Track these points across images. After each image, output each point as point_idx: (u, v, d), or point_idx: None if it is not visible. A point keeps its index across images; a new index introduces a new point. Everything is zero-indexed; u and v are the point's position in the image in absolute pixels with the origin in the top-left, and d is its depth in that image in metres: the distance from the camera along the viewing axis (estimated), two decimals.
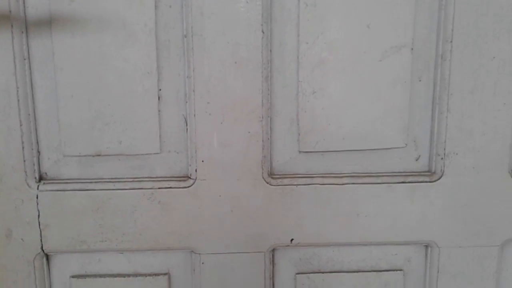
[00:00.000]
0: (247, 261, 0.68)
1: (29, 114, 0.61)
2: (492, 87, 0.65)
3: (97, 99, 0.61)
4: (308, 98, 0.64)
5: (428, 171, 0.68)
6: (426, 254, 0.71)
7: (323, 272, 0.71)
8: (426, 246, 0.71)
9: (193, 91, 0.61)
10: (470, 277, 0.71)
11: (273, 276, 0.70)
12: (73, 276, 0.68)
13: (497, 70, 0.64)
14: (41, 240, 0.65)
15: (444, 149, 0.66)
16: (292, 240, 0.68)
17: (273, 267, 0.70)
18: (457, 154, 0.67)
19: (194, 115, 0.62)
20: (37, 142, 0.63)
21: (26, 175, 0.63)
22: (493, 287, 0.72)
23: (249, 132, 0.64)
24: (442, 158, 0.67)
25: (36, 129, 0.62)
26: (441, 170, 0.67)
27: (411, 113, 0.66)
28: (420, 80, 0.65)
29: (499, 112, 0.66)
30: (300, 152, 0.66)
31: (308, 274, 0.71)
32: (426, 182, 0.67)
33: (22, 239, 0.65)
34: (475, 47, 0.63)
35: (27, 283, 0.66)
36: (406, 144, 0.67)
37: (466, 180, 0.67)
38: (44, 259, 0.67)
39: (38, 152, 0.63)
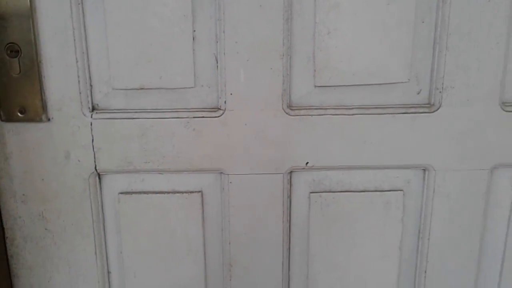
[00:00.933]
0: (268, 181, 0.83)
1: (83, 52, 0.75)
2: (487, 28, 0.77)
3: (140, 39, 0.75)
4: (323, 38, 0.77)
5: (428, 103, 0.82)
6: (424, 177, 0.86)
7: (333, 192, 0.86)
8: (424, 170, 0.86)
9: (223, 32, 0.74)
10: (462, 197, 0.86)
11: (290, 195, 0.86)
12: (121, 193, 0.84)
13: (491, 12, 0.76)
14: (94, 161, 0.80)
15: (442, 83, 0.80)
16: (307, 163, 0.83)
17: (290, 186, 0.86)
18: (453, 88, 0.80)
19: (224, 54, 0.76)
20: (90, 77, 0.77)
21: (82, 105, 0.77)
22: (482, 205, 0.86)
23: (271, 69, 0.77)
24: (440, 92, 0.80)
25: (89, 66, 0.76)
26: (439, 102, 0.80)
27: (414, 52, 0.79)
28: (423, 22, 0.77)
29: (492, 50, 0.78)
30: (315, 86, 0.80)
31: (320, 193, 0.86)
32: (425, 113, 0.81)
33: (78, 160, 0.80)
34: None
35: (83, 198, 0.82)
36: (409, 79, 0.80)
37: (461, 111, 0.81)
38: (97, 177, 0.82)
39: (91, 85, 0.78)
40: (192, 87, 0.78)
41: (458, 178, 0.84)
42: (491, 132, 0.82)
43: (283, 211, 0.85)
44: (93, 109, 0.78)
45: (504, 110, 0.81)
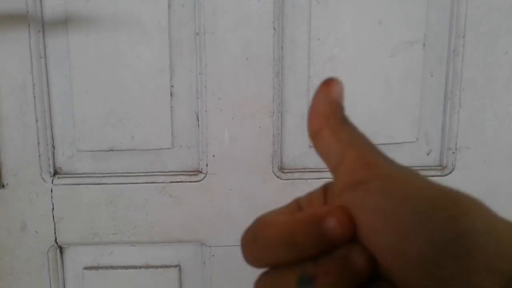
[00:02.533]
0: None
1: (44, 111, 0.73)
2: (505, 82, 0.75)
3: (111, 96, 0.72)
4: None
5: (440, 165, 0.79)
6: None
7: None
8: None
9: (205, 87, 0.72)
10: None
11: None
12: (86, 268, 0.80)
13: (509, 65, 0.74)
14: (55, 232, 0.77)
15: (456, 143, 0.77)
16: None
17: None
18: (468, 148, 0.78)
19: (206, 111, 0.73)
20: (52, 138, 0.74)
21: (41, 169, 0.74)
22: None
23: (259, 127, 0.75)
24: (453, 152, 0.78)
25: (51, 125, 0.74)
26: (453, 164, 0.78)
27: (422, 108, 0.77)
28: (432, 75, 0.76)
29: (510, 106, 0.76)
30: (310, 146, 0.77)
31: None
32: (437, 176, 0.79)
33: (36, 231, 0.77)
34: (487, 42, 0.73)
35: (41, 274, 0.79)
36: (417, 139, 0.78)
37: (477, 174, 0.78)
38: (58, 251, 0.79)
39: (53, 147, 0.75)
40: (169, 148, 0.75)
41: None
42: (511, 197, 0.79)
43: None
44: (55, 173, 0.76)
45: None
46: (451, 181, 0.78)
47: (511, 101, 0.76)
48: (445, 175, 0.78)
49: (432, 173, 0.78)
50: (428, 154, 0.79)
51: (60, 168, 0.76)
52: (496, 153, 0.78)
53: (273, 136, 0.75)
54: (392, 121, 0.76)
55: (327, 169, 0.74)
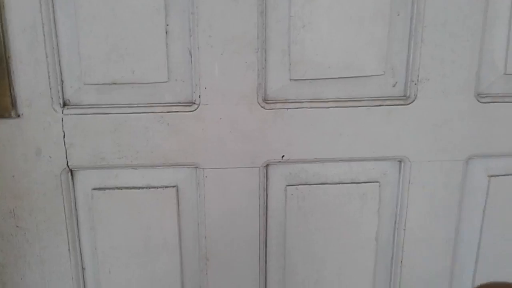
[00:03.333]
0: (244, 174, 0.89)
1: (53, 47, 0.79)
2: (462, 20, 0.83)
3: (112, 34, 0.79)
4: (298, 31, 0.82)
5: (404, 96, 0.89)
6: (400, 168, 0.93)
7: (310, 184, 0.93)
8: (400, 161, 0.93)
9: (197, 26, 0.79)
10: (437, 188, 0.93)
11: (266, 188, 0.92)
12: (94, 189, 0.88)
13: (467, 4, 0.82)
14: (66, 157, 0.85)
15: (418, 75, 0.86)
16: (283, 156, 0.89)
17: (266, 180, 0.92)
18: (429, 80, 0.86)
19: (198, 48, 0.80)
20: (61, 72, 0.81)
21: (52, 101, 0.81)
22: (457, 196, 0.94)
23: (246, 62, 0.82)
24: (415, 84, 0.87)
25: (59, 61, 0.80)
26: (415, 94, 0.87)
27: (390, 44, 0.85)
28: (398, 15, 0.83)
29: (467, 42, 0.84)
30: (291, 80, 0.85)
31: (297, 186, 0.93)
32: (401, 105, 0.88)
33: (50, 156, 0.85)
34: None
35: (55, 195, 0.87)
36: (384, 72, 0.86)
37: (436, 103, 0.88)
38: (69, 174, 0.87)
39: (62, 81, 0.82)
40: (165, 82, 0.83)
41: (434, 169, 0.91)
42: (466, 123, 0.89)
43: (260, 205, 0.91)
44: (64, 104, 0.83)
45: (479, 101, 0.88)
46: (413, 110, 0.87)
47: (467, 37, 0.84)
48: (408, 104, 0.87)
49: (397, 102, 0.87)
50: (393, 86, 0.88)
51: (69, 100, 0.83)
52: (453, 85, 0.86)
53: (258, 70, 0.83)
54: (363, 56, 0.84)
55: (305, 100, 0.83)
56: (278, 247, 0.95)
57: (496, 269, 1.00)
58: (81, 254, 0.93)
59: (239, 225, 0.92)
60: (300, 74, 0.83)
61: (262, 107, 0.84)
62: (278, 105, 0.85)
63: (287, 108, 0.85)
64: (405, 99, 0.87)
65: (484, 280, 1.00)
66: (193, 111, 0.83)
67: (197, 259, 0.94)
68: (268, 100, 0.85)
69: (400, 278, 0.98)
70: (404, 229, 0.94)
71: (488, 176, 0.94)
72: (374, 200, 0.93)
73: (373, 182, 0.92)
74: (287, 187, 0.91)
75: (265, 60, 0.82)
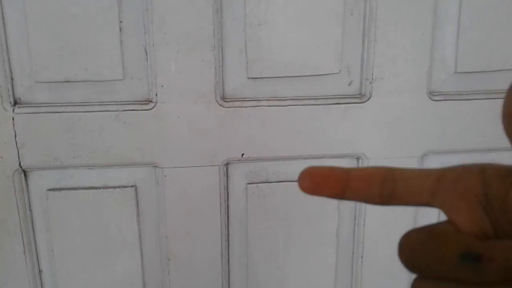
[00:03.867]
0: (205, 173, 0.86)
1: (1, 44, 0.74)
2: (413, 18, 0.82)
3: (63, 30, 0.74)
4: (254, 29, 0.79)
5: (359, 94, 0.87)
6: (357, 165, 0.92)
7: (270, 182, 0.90)
8: (358, 158, 0.91)
9: (151, 22, 0.76)
10: None
11: (227, 186, 0.89)
12: (49, 189, 0.84)
13: (417, 3, 0.81)
14: (18, 157, 0.80)
15: (372, 74, 0.85)
16: (243, 154, 0.86)
17: (227, 178, 0.89)
18: (382, 78, 0.85)
19: (153, 45, 0.77)
20: (10, 70, 0.76)
21: (2, 99, 0.76)
22: None
23: (202, 60, 0.79)
24: (370, 82, 0.85)
25: (9, 58, 0.75)
26: (370, 93, 0.86)
27: (344, 43, 0.83)
28: (351, 14, 0.82)
29: (418, 41, 0.84)
30: (248, 78, 0.83)
31: (257, 184, 0.90)
32: (357, 103, 0.86)
33: (1, 157, 0.79)
34: None
35: (8, 196, 0.82)
36: (340, 71, 0.85)
37: (390, 101, 0.87)
38: (22, 174, 0.82)
39: (12, 79, 0.77)
40: (121, 79, 0.79)
41: (391, 165, 0.90)
42: (420, 121, 0.88)
43: (221, 203, 0.88)
44: (15, 103, 0.78)
45: (431, 99, 0.87)
46: (368, 108, 0.86)
47: (418, 36, 0.83)
48: (364, 102, 0.86)
49: (353, 100, 0.86)
50: (349, 85, 0.86)
51: (20, 98, 0.78)
52: (406, 83, 0.86)
53: (215, 68, 0.80)
54: (318, 55, 0.82)
55: (263, 98, 0.80)
56: (240, 245, 0.92)
57: None
58: (37, 256, 0.87)
59: (200, 224, 0.88)
60: (257, 72, 0.81)
61: (220, 105, 0.81)
62: (237, 103, 0.82)
63: (245, 107, 0.82)
64: (360, 97, 0.85)
65: None
66: (150, 109, 0.80)
67: (158, 259, 0.90)
68: (226, 98, 0.82)
69: (361, 274, 0.96)
70: (364, 225, 0.92)
71: None
72: None
73: None
74: (248, 185, 0.88)
75: (222, 58, 0.80)
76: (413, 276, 0.25)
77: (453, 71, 0.87)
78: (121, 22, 0.75)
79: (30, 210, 0.84)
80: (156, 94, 0.79)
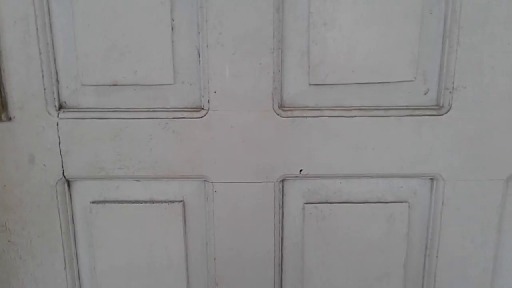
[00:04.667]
0: (258, 190, 0.75)
1: (47, 43, 0.67)
2: (503, 20, 0.69)
3: (112, 29, 0.67)
4: (319, 29, 0.69)
5: (436, 105, 0.74)
6: (431, 187, 0.78)
7: (330, 203, 0.78)
8: (432, 179, 0.77)
9: (206, 21, 0.67)
10: (474, 210, 0.78)
11: (282, 205, 0.78)
12: (93, 202, 0.76)
13: (508, 3, 0.68)
14: (62, 166, 0.73)
15: (453, 82, 0.71)
16: (301, 171, 0.75)
17: (282, 196, 0.78)
18: (465, 88, 0.72)
19: (207, 46, 0.68)
20: (56, 71, 0.70)
21: (47, 103, 0.70)
22: (496, 220, 0.78)
23: (260, 64, 0.69)
24: (450, 92, 0.72)
25: (54, 58, 0.69)
26: (449, 103, 0.72)
27: (421, 46, 0.71)
28: (431, 13, 0.69)
29: (509, 45, 0.70)
30: (310, 84, 0.72)
31: (316, 204, 0.78)
32: (433, 115, 0.73)
33: (44, 164, 0.72)
34: None
35: (50, 207, 0.75)
36: (415, 78, 0.72)
37: (473, 114, 0.73)
38: (66, 184, 0.75)
39: (57, 81, 0.70)
40: (171, 84, 0.70)
41: (470, 189, 0.76)
42: (507, 138, 0.74)
43: (275, 224, 0.77)
44: (60, 107, 0.71)
45: None
46: (447, 121, 0.73)
47: (509, 40, 0.69)
48: (442, 114, 0.73)
49: (429, 112, 0.73)
50: (425, 94, 0.73)
51: (65, 102, 0.71)
52: (493, 93, 0.72)
53: (273, 73, 0.70)
54: (391, 59, 0.71)
55: (326, 107, 0.68)
56: (294, 271, 0.80)
57: None
58: (78, 273, 0.80)
59: (251, 246, 0.77)
60: (320, 78, 0.70)
61: (278, 114, 0.70)
62: (296, 113, 0.71)
63: (306, 116, 0.71)
64: (438, 108, 0.72)
65: None
66: (201, 117, 0.70)
67: (205, 282, 0.80)
68: (284, 107, 0.72)
69: None
70: (437, 256, 0.78)
71: None
72: (403, 222, 0.77)
73: (402, 202, 0.77)
74: (305, 205, 0.76)
75: (281, 62, 0.69)
76: None
77: None
78: (173, 20, 0.67)
79: (73, 223, 0.77)
80: (208, 101, 0.69)
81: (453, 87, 0.72)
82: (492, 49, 0.70)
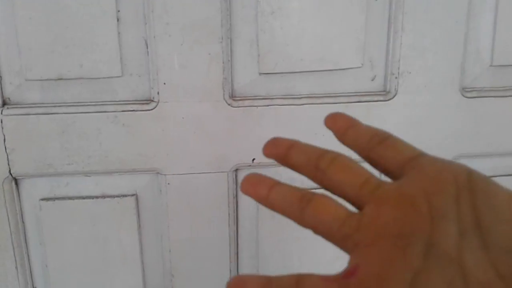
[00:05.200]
0: (212, 181, 0.76)
1: None
2: (444, 6, 0.72)
3: (55, 22, 0.66)
4: (267, 18, 0.70)
5: (383, 91, 0.77)
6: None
7: None
8: None
9: (152, 11, 0.66)
10: None
11: (236, 195, 0.79)
12: (42, 199, 0.75)
13: None
14: (8, 164, 0.71)
15: (398, 68, 0.74)
16: (253, 160, 0.76)
17: (236, 186, 0.79)
18: (410, 73, 0.75)
19: (154, 37, 0.68)
20: None
21: None
22: None
23: (209, 54, 0.70)
24: (396, 77, 0.75)
25: None
26: (395, 89, 0.75)
27: (367, 33, 0.73)
28: (376, 0, 0.72)
29: (451, 31, 0.73)
30: (260, 74, 0.73)
31: None
32: (380, 101, 0.76)
33: None
34: None
35: None
36: (362, 64, 0.74)
37: (418, 98, 0.76)
38: (13, 182, 0.73)
39: (0, 76, 0.68)
40: (119, 76, 0.70)
41: None
42: (451, 120, 0.78)
43: (229, 213, 0.78)
44: (4, 104, 0.69)
45: (464, 96, 0.77)
46: (394, 106, 0.76)
47: (451, 25, 0.73)
48: (388, 99, 0.76)
49: (376, 98, 0.76)
50: (372, 80, 0.76)
51: (9, 98, 0.69)
52: (436, 78, 0.75)
53: (223, 62, 0.70)
54: (338, 47, 0.73)
55: (276, 96, 0.69)
56: (250, 259, 0.82)
57: None
58: (31, 272, 0.78)
59: (207, 237, 0.78)
60: (270, 67, 0.71)
61: (229, 104, 0.71)
62: (247, 102, 0.72)
63: (257, 106, 0.72)
64: (385, 94, 0.75)
65: None
66: (151, 109, 0.70)
67: (161, 275, 0.81)
68: (235, 97, 0.73)
69: None
70: None
71: None
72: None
73: None
74: None
75: (231, 51, 0.70)
76: None
77: (489, 64, 0.77)
78: (118, 11, 0.66)
79: (23, 221, 0.75)
80: (158, 93, 0.70)
81: (398, 73, 0.75)
82: (435, 34, 0.73)
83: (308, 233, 0.76)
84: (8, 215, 0.74)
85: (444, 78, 0.75)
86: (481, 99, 0.78)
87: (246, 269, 0.82)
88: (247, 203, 0.79)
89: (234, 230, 0.79)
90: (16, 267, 0.77)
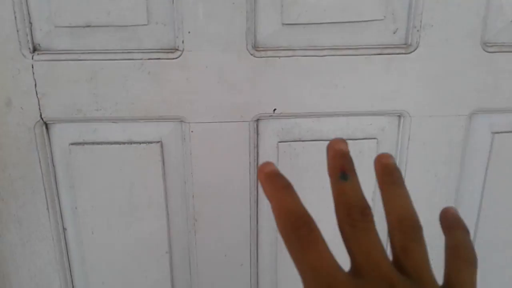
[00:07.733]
0: (233, 130, 0.80)
1: None
2: None
3: None
4: None
5: (405, 44, 0.78)
6: (398, 124, 0.84)
7: (303, 141, 0.84)
8: (399, 116, 0.83)
9: None
10: (438, 144, 0.84)
11: (257, 144, 0.83)
12: (72, 143, 0.79)
13: None
14: (39, 108, 0.75)
15: (421, 21, 0.76)
16: (275, 110, 0.80)
17: (257, 135, 0.82)
18: (432, 26, 0.76)
19: None
20: (28, 13, 0.71)
21: (21, 45, 0.71)
22: (459, 154, 0.85)
23: (233, 3, 0.72)
24: (418, 30, 0.76)
25: (26, 0, 0.70)
26: (417, 42, 0.77)
27: None
28: None
29: None
30: (283, 24, 0.75)
31: (289, 142, 0.83)
32: (402, 54, 0.78)
33: (21, 107, 0.75)
34: None
35: (30, 149, 0.78)
36: (384, 17, 0.76)
37: (439, 51, 0.78)
38: (44, 127, 0.78)
39: (30, 23, 0.71)
40: (145, 25, 0.72)
41: (435, 124, 0.82)
42: (471, 74, 0.79)
43: (250, 162, 0.82)
44: (34, 49, 0.73)
45: (485, 51, 0.78)
46: (414, 59, 0.78)
47: None
48: (409, 52, 0.78)
49: (397, 51, 0.78)
50: (394, 33, 0.78)
51: (39, 44, 0.73)
52: (458, 32, 0.77)
53: (247, 12, 0.72)
54: None
55: (299, 48, 0.72)
56: (269, 206, 0.86)
57: (496, 231, 0.91)
58: (61, 214, 0.84)
59: (228, 184, 0.83)
60: (293, 17, 0.73)
61: (251, 54, 0.74)
62: (269, 53, 0.75)
63: (279, 56, 0.75)
64: (406, 47, 0.77)
65: (484, 243, 0.92)
66: (176, 58, 0.73)
67: (184, 219, 0.86)
68: (258, 47, 0.75)
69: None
70: None
71: (492, 132, 0.85)
72: (372, 158, 0.83)
73: (371, 138, 0.83)
74: (279, 143, 0.81)
75: (254, 1, 0.72)
76: None
77: (511, 19, 0.77)
78: None
79: (53, 165, 0.80)
80: (183, 41, 0.72)
81: (420, 26, 0.76)
82: None
83: (326, 183, 0.80)
84: (39, 159, 0.79)
85: (466, 32, 0.77)
86: (502, 54, 0.79)
87: (265, 214, 0.87)
88: (268, 152, 0.83)
89: (254, 177, 0.84)
90: (48, 209, 0.82)
